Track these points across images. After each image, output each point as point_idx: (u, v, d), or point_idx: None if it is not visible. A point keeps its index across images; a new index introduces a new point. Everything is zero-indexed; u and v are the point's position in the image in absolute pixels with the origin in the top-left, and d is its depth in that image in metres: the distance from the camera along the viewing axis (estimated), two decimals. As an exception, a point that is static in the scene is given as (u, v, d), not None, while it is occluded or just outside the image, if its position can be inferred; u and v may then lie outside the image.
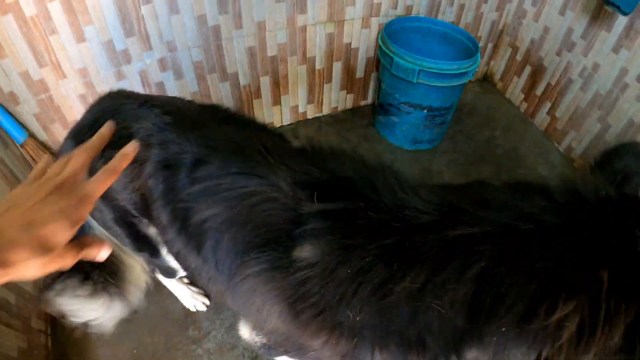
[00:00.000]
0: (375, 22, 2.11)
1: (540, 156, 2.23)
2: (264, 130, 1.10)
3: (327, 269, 0.68)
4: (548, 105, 2.26)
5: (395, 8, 2.10)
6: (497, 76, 2.61)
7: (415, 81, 1.88)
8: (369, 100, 2.51)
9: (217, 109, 1.13)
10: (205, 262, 0.89)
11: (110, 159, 0.96)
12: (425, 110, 2.03)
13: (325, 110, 2.43)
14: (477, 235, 0.58)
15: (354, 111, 2.50)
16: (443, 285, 0.59)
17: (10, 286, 1.46)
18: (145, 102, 1.05)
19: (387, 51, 1.93)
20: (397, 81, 1.98)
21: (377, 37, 2.12)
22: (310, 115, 2.41)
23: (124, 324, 1.63)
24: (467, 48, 2.04)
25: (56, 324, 1.63)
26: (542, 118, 2.33)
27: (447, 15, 2.24)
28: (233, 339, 1.60)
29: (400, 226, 0.64)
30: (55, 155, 1.53)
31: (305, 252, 0.71)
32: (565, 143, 2.20)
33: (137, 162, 0.95)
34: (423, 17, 2.14)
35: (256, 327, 1.04)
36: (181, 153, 0.90)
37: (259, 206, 0.79)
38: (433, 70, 1.83)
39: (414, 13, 2.15)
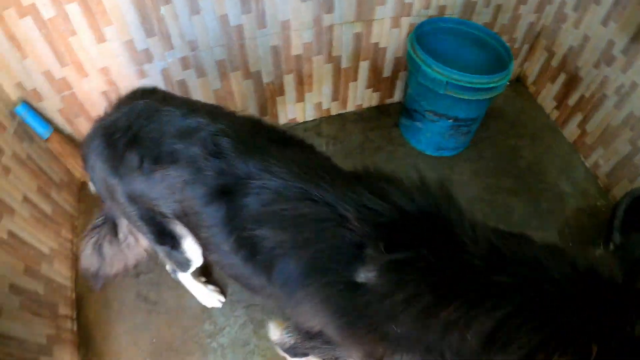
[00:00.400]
0: (405, 22, 2.00)
1: (564, 171, 2.16)
2: (314, 151, 1.11)
3: (385, 295, 0.79)
4: (580, 117, 2.16)
5: (428, 8, 1.98)
6: (531, 79, 2.49)
7: (442, 92, 1.82)
8: (396, 98, 2.42)
9: (263, 126, 1.11)
10: (272, 284, 0.95)
11: (150, 172, 0.99)
12: (450, 120, 1.97)
13: (350, 107, 2.37)
14: (512, 285, 0.71)
15: (380, 109, 2.43)
16: (475, 317, 0.72)
17: (39, 277, 1.55)
18: (188, 112, 1.02)
19: (415, 58, 1.85)
20: (423, 89, 1.91)
21: (407, 37, 2.02)
22: (334, 112, 2.36)
23: (145, 315, 1.73)
24: (500, 55, 1.94)
25: (82, 309, 1.73)
26: (571, 130, 2.24)
27: (482, 16, 2.10)
28: (246, 336, 1.69)
29: (452, 267, 0.76)
30: (79, 147, 1.58)
31: (368, 280, 0.81)
32: (593, 159, 2.12)
33: (180, 178, 0.96)
34: (456, 19, 2.02)
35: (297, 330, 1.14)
36: (242, 179, 0.91)
37: (326, 232, 0.85)
38: (462, 83, 1.76)
39: (447, 13, 2.03)
